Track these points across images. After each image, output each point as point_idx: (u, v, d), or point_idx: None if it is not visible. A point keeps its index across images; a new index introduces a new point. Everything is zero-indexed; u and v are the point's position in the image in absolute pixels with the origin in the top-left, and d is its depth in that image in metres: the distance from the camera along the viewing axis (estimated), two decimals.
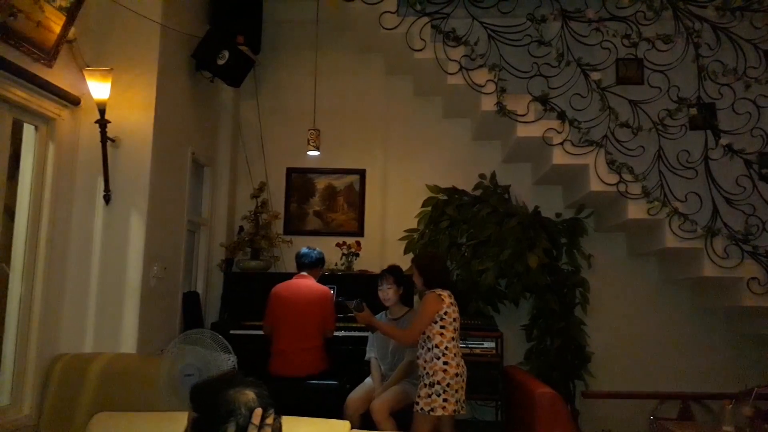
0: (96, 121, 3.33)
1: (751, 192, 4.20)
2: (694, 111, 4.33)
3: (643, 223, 4.39)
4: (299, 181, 5.25)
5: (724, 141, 4.27)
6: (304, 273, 4.05)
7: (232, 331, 4.15)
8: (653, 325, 4.89)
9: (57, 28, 3.08)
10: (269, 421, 1.36)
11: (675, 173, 4.31)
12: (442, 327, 3.25)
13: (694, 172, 4.27)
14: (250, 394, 1.39)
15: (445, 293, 3.32)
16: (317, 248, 4.19)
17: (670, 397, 4.37)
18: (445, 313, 3.26)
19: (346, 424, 2.12)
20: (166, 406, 2.54)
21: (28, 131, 3.20)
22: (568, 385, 4.57)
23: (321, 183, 5.25)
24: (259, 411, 1.35)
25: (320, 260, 4.12)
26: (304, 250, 4.13)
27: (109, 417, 2.03)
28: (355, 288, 4.53)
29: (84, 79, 3.30)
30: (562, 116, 4.43)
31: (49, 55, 3.09)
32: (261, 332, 4.02)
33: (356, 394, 3.77)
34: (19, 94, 2.94)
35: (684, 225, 4.21)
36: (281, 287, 3.97)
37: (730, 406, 3.68)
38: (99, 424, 1.97)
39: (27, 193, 3.16)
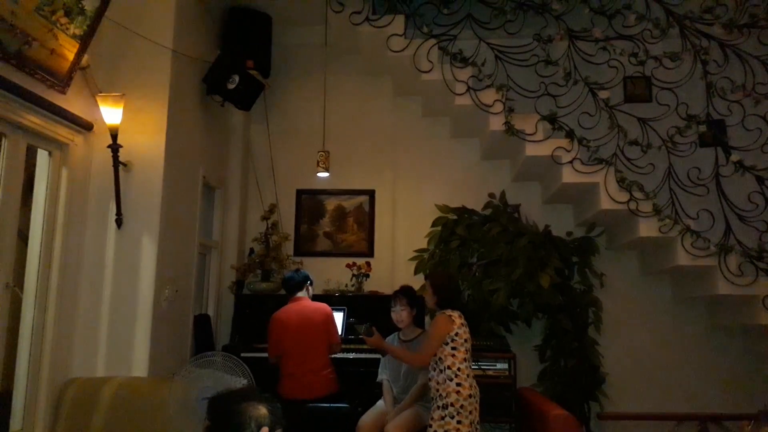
0: (108, 146, 3.37)
1: (764, 208, 4.16)
2: (703, 128, 4.32)
3: (655, 241, 4.36)
4: (309, 202, 5.27)
5: (734, 157, 4.25)
6: (299, 294, 4.04)
7: (243, 354, 4.13)
8: (668, 345, 4.82)
9: (70, 56, 3.14)
10: None
11: (686, 190, 4.28)
12: (453, 348, 3.22)
13: (705, 189, 4.25)
14: (262, 410, 1.42)
15: (455, 314, 3.29)
16: (300, 269, 4.20)
17: (687, 419, 4.31)
18: (456, 334, 3.24)
19: None
20: (178, 429, 2.53)
21: (42, 156, 3.25)
22: (583, 407, 4.50)
23: (331, 204, 5.26)
24: (265, 430, 1.36)
25: (306, 278, 4.11)
26: (288, 274, 4.14)
27: None
28: (365, 309, 4.52)
29: (97, 105, 3.36)
30: (570, 135, 4.43)
31: (62, 82, 3.15)
32: None
33: (368, 418, 3.73)
34: (34, 120, 2.99)
35: (696, 242, 4.17)
36: (280, 313, 3.95)
37: (749, 427, 3.61)
38: None
39: (40, 217, 3.20)
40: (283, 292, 4.85)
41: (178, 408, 2.67)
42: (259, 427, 1.38)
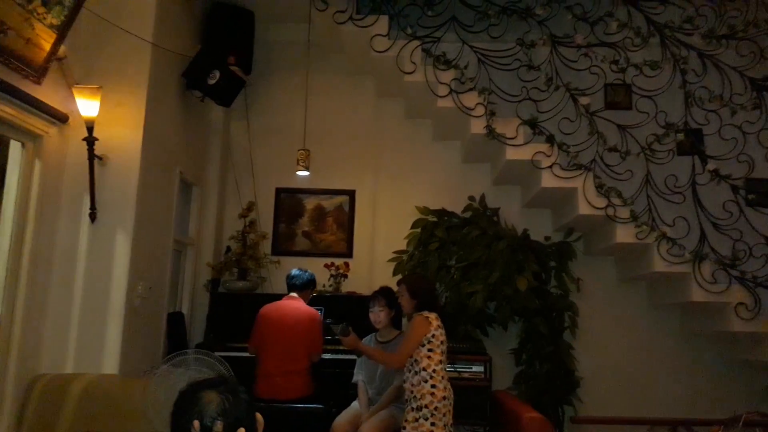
0: (84, 139, 3.31)
1: (738, 217, 4.23)
2: (681, 136, 4.38)
3: (632, 247, 4.40)
4: (288, 201, 5.23)
5: (711, 166, 4.31)
6: (294, 294, 4.00)
7: (217, 353, 4.07)
8: (642, 350, 4.87)
9: (47, 46, 3.07)
10: (218, 428, 1.37)
11: (663, 198, 4.33)
12: (429, 350, 3.22)
13: (681, 196, 4.30)
14: (214, 399, 1.40)
15: (432, 315, 3.29)
16: (309, 270, 4.15)
17: (659, 423, 4.32)
18: (433, 336, 3.23)
19: None
20: (147, 428, 2.48)
21: (15, 148, 3.18)
22: (557, 410, 4.52)
23: (310, 203, 5.23)
24: (196, 423, 1.37)
25: (311, 282, 4.08)
26: (295, 271, 4.09)
27: None
28: (343, 309, 4.49)
29: (73, 97, 3.30)
30: (551, 140, 4.46)
31: (38, 72, 3.08)
32: (247, 354, 3.96)
33: (343, 419, 3.71)
34: (7, 110, 2.92)
35: (672, 249, 4.22)
36: (270, 308, 3.92)
37: None
38: None
39: (11, 209, 3.13)
40: (259, 290, 4.84)
41: (156, 408, 2.62)
42: (201, 416, 1.38)
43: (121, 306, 3.39)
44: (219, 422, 1.38)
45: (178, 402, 1.46)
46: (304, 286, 4.03)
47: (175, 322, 4.35)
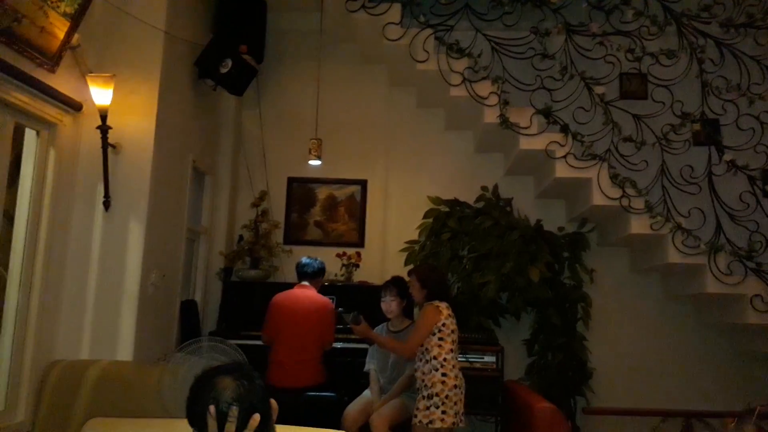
0: (97, 127, 3.32)
1: (755, 208, 4.18)
2: (697, 126, 4.32)
3: (646, 238, 4.36)
4: (300, 190, 5.24)
5: (727, 157, 4.25)
6: (305, 283, 4.01)
7: (229, 341, 4.10)
8: (656, 342, 4.84)
9: (61, 34, 3.08)
10: (233, 413, 1.37)
11: (678, 188, 4.29)
12: (440, 339, 3.22)
13: (697, 187, 4.25)
14: (229, 385, 1.42)
15: (443, 305, 3.29)
16: (318, 258, 4.16)
17: (672, 415, 4.30)
18: (443, 325, 3.23)
19: None
20: (161, 413, 2.50)
21: (30, 136, 3.20)
22: (569, 401, 4.51)
23: (322, 193, 5.23)
24: (212, 408, 1.37)
25: (321, 270, 4.09)
26: (306, 260, 4.10)
27: (101, 423, 1.99)
28: (354, 299, 4.50)
29: (86, 85, 3.30)
30: (565, 129, 4.41)
31: (52, 61, 3.09)
32: (259, 342, 3.99)
33: (355, 407, 3.72)
34: (22, 98, 2.93)
35: (687, 240, 4.18)
36: (282, 297, 3.93)
37: (733, 424, 3.63)
38: (92, 430, 1.93)
39: (27, 197, 3.15)
40: (272, 279, 4.86)
41: (172, 395, 2.64)
42: (216, 402, 1.38)
43: (135, 294, 3.42)
44: (234, 407, 1.38)
45: (194, 387, 1.47)
46: (315, 275, 4.04)
47: (189, 310, 4.38)
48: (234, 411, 1.38)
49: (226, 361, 2.65)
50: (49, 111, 3.16)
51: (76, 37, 3.20)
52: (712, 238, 4.20)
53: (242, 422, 1.38)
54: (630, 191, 4.29)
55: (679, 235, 4.20)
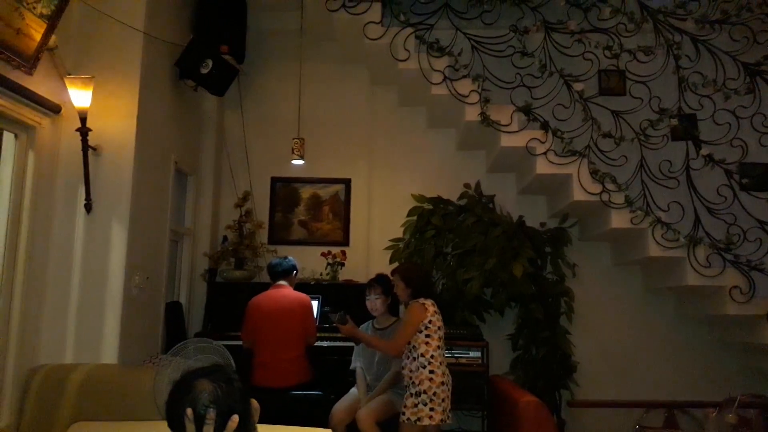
0: (77, 129, 3.29)
1: (732, 201, 4.24)
2: (675, 121, 4.38)
3: (627, 232, 4.42)
4: (284, 190, 5.23)
5: (704, 151, 4.32)
6: (282, 282, 4.02)
7: (216, 342, 4.09)
8: (638, 334, 4.91)
9: (37, 36, 3.05)
10: (210, 416, 1.39)
11: (657, 183, 4.35)
12: (427, 336, 3.24)
13: (676, 182, 4.32)
14: (207, 387, 1.43)
15: (428, 302, 3.31)
16: (289, 256, 4.17)
17: (655, 406, 4.38)
18: (430, 322, 3.25)
19: None
20: (147, 416, 2.49)
21: (8, 139, 3.16)
22: (554, 395, 4.56)
23: (306, 192, 5.23)
24: (189, 411, 1.39)
25: (293, 267, 4.10)
26: (275, 260, 4.12)
27: (86, 427, 1.98)
28: (340, 297, 4.52)
29: (65, 87, 3.27)
30: (545, 126, 4.46)
31: (29, 63, 3.06)
32: None
33: (341, 405, 3.74)
34: None
35: (667, 234, 4.24)
36: (259, 298, 3.93)
37: (714, 414, 3.70)
38: None
39: (6, 201, 3.11)
40: (256, 280, 4.85)
41: (162, 398, 2.63)
42: (194, 405, 1.39)
43: (118, 296, 3.40)
44: (212, 410, 1.40)
45: (172, 391, 1.48)
46: (287, 272, 4.05)
47: (174, 312, 4.35)
48: (211, 414, 1.40)
49: (216, 362, 2.66)
50: (27, 114, 3.13)
51: (53, 38, 3.17)
52: (691, 232, 4.26)
53: (220, 424, 1.40)
54: (610, 186, 4.34)
55: (658, 228, 4.26)
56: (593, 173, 4.37)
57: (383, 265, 4.76)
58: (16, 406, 3.02)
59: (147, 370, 3.20)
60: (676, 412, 4.36)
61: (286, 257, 4.16)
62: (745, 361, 4.68)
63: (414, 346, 3.25)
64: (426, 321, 3.25)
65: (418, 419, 3.15)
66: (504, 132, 4.50)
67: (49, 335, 3.29)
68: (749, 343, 4.39)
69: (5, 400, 3.02)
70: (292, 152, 4.63)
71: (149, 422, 2.08)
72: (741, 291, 4.09)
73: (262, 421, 1.58)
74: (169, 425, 1.45)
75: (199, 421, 1.39)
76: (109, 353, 3.34)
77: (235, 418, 1.41)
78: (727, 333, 4.63)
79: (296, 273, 4.14)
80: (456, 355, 4.25)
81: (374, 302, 3.74)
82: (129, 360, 3.45)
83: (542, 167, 4.45)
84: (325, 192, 5.23)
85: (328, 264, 4.88)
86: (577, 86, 4.46)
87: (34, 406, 2.97)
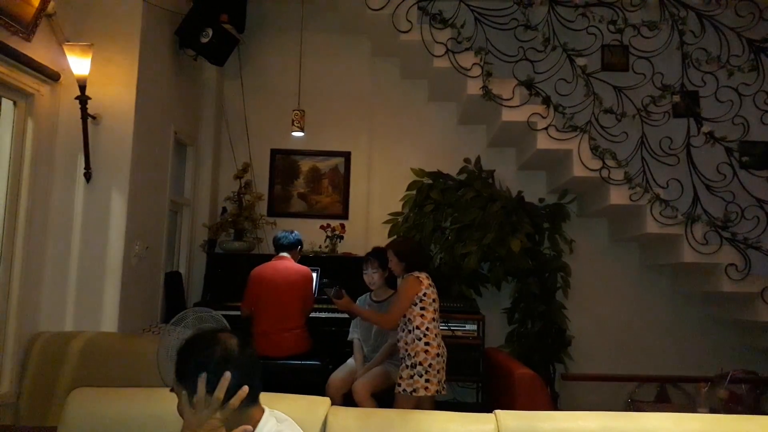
0: (76, 98, 3.28)
1: (731, 179, 4.25)
2: (677, 98, 4.36)
3: (625, 208, 4.43)
4: (283, 162, 5.22)
5: (705, 128, 4.31)
6: (284, 254, 4.04)
7: (214, 312, 4.13)
8: (633, 310, 4.95)
9: (36, 2, 3.02)
10: (226, 378, 1.41)
11: (657, 160, 4.35)
12: (422, 308, 3.27)
13: (676, 159, 4.32)
14: (231, 341, 1.47)
15: (423, 275, 3.33)
16: (295, 231, 4.18)
17: (647, 380, 4.44)
18: (425, 294, 3.28)
19: (327, 400, 2.12)
20: (147, 383, 2.53)
21: (7, 106, 3.15)
22: (549, 368, 4.62)
23: (305, 165, 5.22)
24: (227, 375, 1.40)
25: (298, 241, 4.11)
26: (281, 233, 4.12)
27: (86, 392, 2.01)
28: (339, 270, 4.55)
29: (64, 54, 3.25)
30: (546, 101, 4.43)
31: (27, 29, 3.02)
32: None
33: (338, 375, 3.78)
34: None
35: (665, 211, 4.26)
36: (261, 269, 3.95)
37: (705, 389, 3.76)
38: (76, 400, 1.96)
39: (5, 169, 3.12)
40: (256, 251, 4.87)
41: (165, 365, 2.66)
42: (226, 360, 1.42)
43: (118, 265, 3.42)
44: (228, 373, 1.41)
45: (191, 341, 1.50)
46: (291, 246, 4.06)
47: (173, 282, 4.38)
48: (227, 376, 1.41)
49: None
50: (26, 81, 3.11)
51: (51, 4, 3.13)
52: (689, 209, 4.28)
53: (234, 385, 1.41)
54: (610, 162, 4.34)
55: (657, 205, 4.27)
56: (594, 149, 4.36)
57: (382, 239, 4.77)
58: (17, 372, 3.07)
59: (147, 338, 3.25)
60: (668, 386, 4.43)
61: (292, 231, 4.15)
62: (738, 338, 4.73)
63: (409, 319, 3.28)
64: (421, 294, 3.27)
65: (414, 390, 3.19)
66: (505, 106, 4.47)
67: (49, 303, 3.32)
68: (743, 320, 4.44)
69: (7, 365, 3.06)
70: (292, 124, 4.61)
71: (150, 388, 2.11)
72: (737, 268, 4.12)
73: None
74: (179, 378, 1.46)
75: (213, 383, 1.40)
76: (108, 322, 3.38)
77: (245, 388, 1.42)
78: (722, 310, 4.67)
79: (301, 248, 4.15)
80: (452, 328, 4.29)
81: (372, 276, 3.76)
82: (129, 328, 3.49)
83: (543, 142, 4.43)
84: (325, 165, 5.22)
85: (327, 237, 4.90)
86: (580, 61, 4.43)
87: (34, 372, 3.03)
